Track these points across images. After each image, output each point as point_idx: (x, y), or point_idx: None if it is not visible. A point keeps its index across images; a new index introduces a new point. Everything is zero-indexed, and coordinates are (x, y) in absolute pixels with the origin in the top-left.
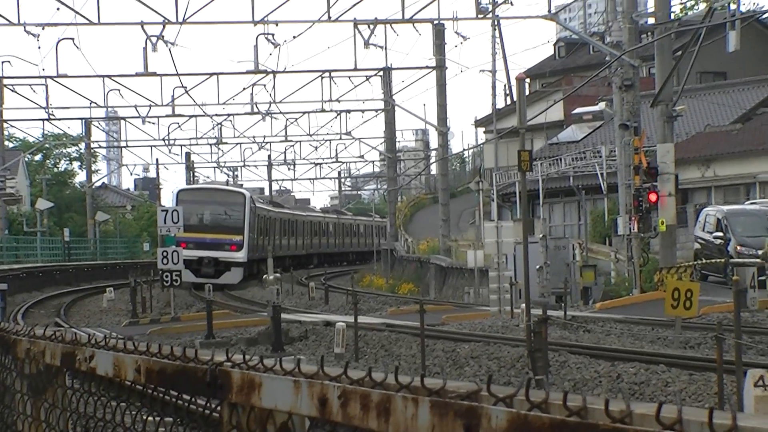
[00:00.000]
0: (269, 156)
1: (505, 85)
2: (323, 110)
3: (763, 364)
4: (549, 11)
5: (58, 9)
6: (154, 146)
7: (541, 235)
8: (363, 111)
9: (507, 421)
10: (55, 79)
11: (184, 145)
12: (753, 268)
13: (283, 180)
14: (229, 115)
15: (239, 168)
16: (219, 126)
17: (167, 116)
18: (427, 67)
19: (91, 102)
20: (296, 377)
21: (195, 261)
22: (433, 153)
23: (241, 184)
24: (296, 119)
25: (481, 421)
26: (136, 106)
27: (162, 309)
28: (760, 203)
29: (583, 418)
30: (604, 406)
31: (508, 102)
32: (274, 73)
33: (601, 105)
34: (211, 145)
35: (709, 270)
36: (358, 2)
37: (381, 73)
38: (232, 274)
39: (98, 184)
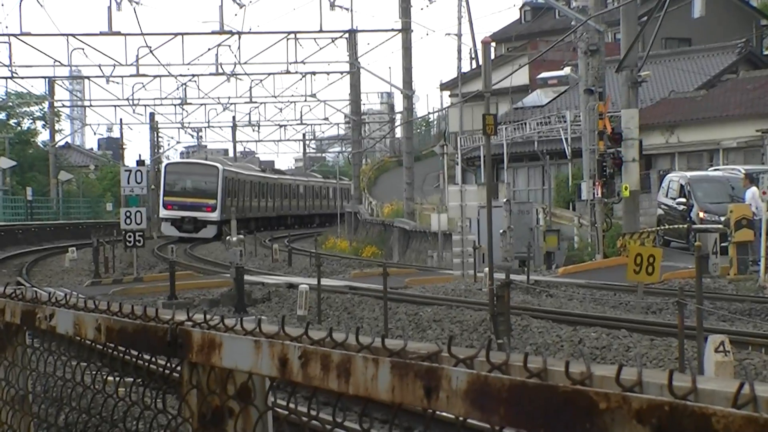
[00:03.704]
0: (234, 117)
1: (470, 49)
2: (288, 72)
3: (724, 330)
4: None
5: None
6: (118, 106)
7: (505, 200)
8: (328, 73)
9: (467, 383)
10: (18, 37)
11: (148, 106)
12: (715, 235)
13: (247, 141)
14: (193, 75)
15: (203, 129)
16: (183, 86)
17: (131, 76)
18: (392, 29)
19: (55, 61)
20: (257, 337)
21: (178, 219)
22: (398, 116)
23: (205, 146)
24: (261, 80)
25: (442, 382)
26: (100, 66)
27: (125, 269)
28: (723, 170)
29: (543, 379)
30: (564, 368)
31: (474, 66)
32: (239, 33)
33: (567, 70)
34: (175, 105)
35: (671, 236)
36: None
37: (347, 35)
38: (208, 230)
39: (61, 143)
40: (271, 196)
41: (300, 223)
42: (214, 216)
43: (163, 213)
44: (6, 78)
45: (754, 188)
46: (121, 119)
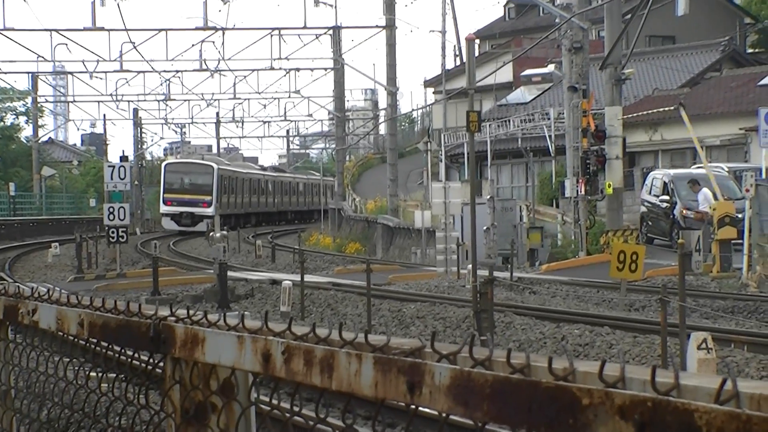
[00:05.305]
0: (217, 113)
1: (454, 46)
2: (272, 68)
3: (706, 327)
4: None
5: None
6: (102, 102)
7: (488, 197)
8: (312, 69)
9: (450, 378)
10: (1, 32)
11: (131, 101)
12: (698, 232)
13: (231, 137)
14: (177, 71)
15: (187, 125)
16: (167, 82)
17: (115, 71)
18: (377, 26)
19: (39, 56)
20: (240, 332)
21: (177, 214)
22: (382, 113)
23: (189, 141)
24: (245, 77)
25: (425, 378)
26: (83, 61)
27: (108, 265)
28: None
29: (526, 375)
30: (547, 364)
31: (458, 63)
32: (224, 29)
33: (551, 67)
34: (159, 101)
35: (654, 233)
36: None
37: (331, 31)
38: (204, 224)
39: (45, 139)
40: (271, 193)
41: (300, 218)
42: (210, 211)
43: (163, 209)
44: None
45: (705, 190)
46: (104, 115)
